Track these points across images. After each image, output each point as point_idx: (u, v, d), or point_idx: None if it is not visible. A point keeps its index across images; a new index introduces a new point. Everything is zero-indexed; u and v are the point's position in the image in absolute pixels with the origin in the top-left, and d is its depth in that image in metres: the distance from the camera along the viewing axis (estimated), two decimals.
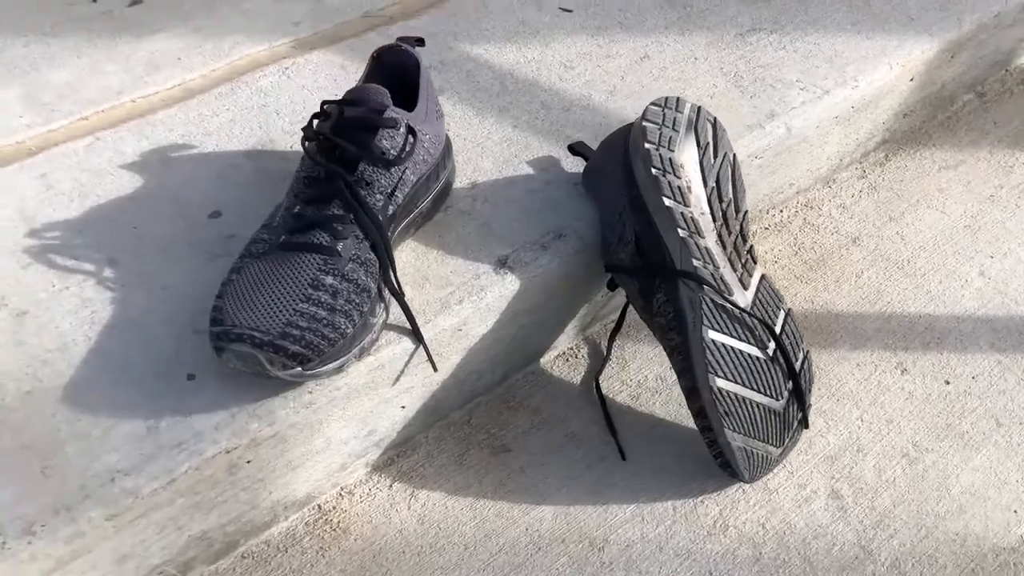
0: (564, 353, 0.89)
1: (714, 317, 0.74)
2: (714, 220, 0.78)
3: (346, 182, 0.69)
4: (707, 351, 0.73)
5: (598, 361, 0.88)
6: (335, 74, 0.96)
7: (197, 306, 0.72)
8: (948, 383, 0.85)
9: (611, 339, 0.86)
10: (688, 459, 0.79)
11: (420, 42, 0.80)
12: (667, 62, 0.99)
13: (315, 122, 0.73)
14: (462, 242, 0.79)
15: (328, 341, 0.65)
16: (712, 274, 0.76)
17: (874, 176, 1.06)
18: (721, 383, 0.74)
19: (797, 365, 0.78)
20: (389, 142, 0.72)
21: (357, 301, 0.67)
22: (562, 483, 0.78)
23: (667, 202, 0.75)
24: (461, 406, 0.83)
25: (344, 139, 0.71)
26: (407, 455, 0.80)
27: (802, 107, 0.94)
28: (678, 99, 0.79)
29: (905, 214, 1.01)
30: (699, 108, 0.80)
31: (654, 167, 0.76)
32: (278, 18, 1.04)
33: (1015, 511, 0.76)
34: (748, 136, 0.90)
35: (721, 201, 0.79)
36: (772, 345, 0.77)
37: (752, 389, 0.75)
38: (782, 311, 0.80)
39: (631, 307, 0.82)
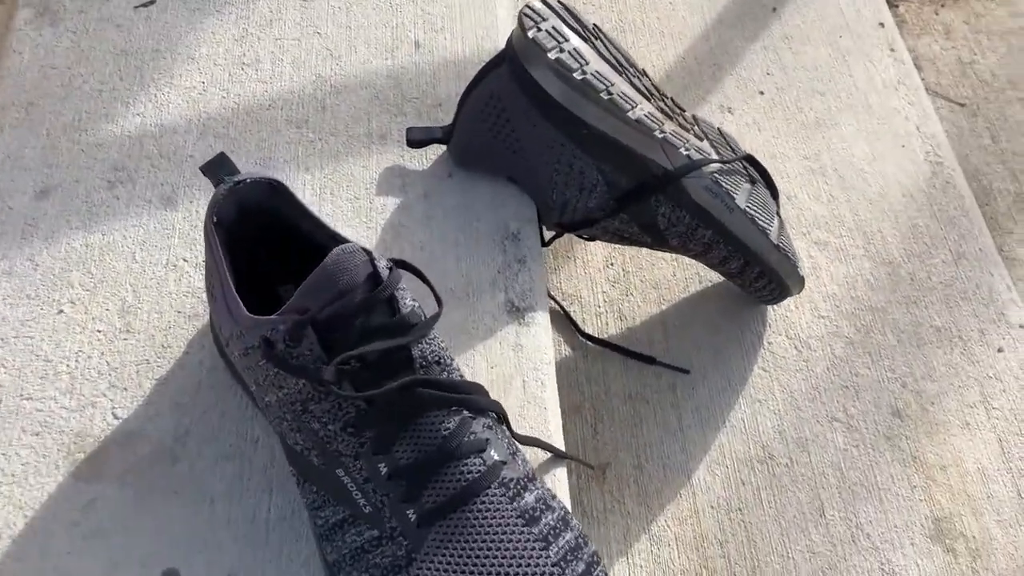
0: None
1: (732, 185, 0.69)
2: (649, 98, 0.68)
3: (423, 383, 0.48)
4: (751, 218, 0.69)
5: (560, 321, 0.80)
6: None
7: None
8: None
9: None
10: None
11: None
12: None
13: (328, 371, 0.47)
14: None
15: None
16: (699, 150, 0.68)
17: None
18: (774, 237, 0.70)
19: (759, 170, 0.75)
20: (405, 300, 0.50)
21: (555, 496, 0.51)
22: None
23: (630, 113, 0.64)
24: None
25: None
26: None
27: None
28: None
29: None
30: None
31: (574, 75, 0.63)
32: None
33: None
34: None
35: (633, 75, 0.68)
36: (751, 169, 0.74)
37: (774, 216, 0.72)
38: (718, 129, 0.75)
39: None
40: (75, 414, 0.57)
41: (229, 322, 0.52)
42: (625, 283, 0.83)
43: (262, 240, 0.57)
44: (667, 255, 0.84)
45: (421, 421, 0.48)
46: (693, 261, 0.83)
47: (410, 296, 0.51)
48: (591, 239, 0.73)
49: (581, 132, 0.64)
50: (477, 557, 0.47)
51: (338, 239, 0.54)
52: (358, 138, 0.72)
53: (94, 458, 0.56)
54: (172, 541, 0.54)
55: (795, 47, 0.99)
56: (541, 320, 0.64)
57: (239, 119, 0.72)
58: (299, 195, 0.64)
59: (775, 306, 0.81)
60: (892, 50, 0.99)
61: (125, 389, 0.59)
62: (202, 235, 0.66)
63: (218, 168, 0.54)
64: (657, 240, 0.70)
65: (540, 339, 0.63)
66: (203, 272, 0.64)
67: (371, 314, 0.49)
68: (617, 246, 0.85)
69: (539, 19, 0.64)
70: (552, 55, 0.62)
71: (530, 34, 0.63)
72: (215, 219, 0.53)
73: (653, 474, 0.73)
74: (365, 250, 0.50)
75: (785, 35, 1.00)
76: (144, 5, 0.77)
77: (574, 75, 0.63)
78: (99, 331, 0.61)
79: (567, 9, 0.67)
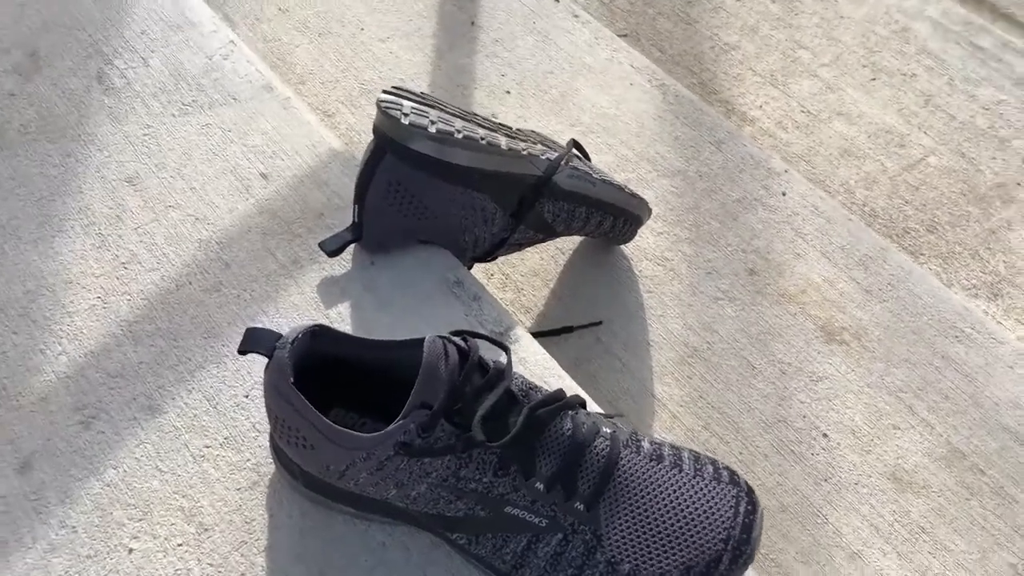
0: None
1: (581, 165, 0.85)
2: (498, 131, 0.80)
3: (537, 407, 0.59)
4: (607, 182, 0.86)
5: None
6: None
7: None
8: None
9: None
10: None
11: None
12: None
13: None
14: None
15: None
16: (546, 152, 0.81)
17: None
18: (624, 187, 0.89)
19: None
20: (484, 357, 0.61)
21: None
22: None
23: (501, 147, 0.76)
24: None
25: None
26: None
27: None
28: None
29: None
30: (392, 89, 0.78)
31: (455, 136, 0.74)
32: None
33: None
34: None
35: (477, 119, 0.81)
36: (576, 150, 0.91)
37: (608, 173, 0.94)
38: (535, 132, 0.89)
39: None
40: None
41: (342, 454, 0.59)
42: (512, 284, 0.96)
43: (315, 377, 0.63)
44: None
45: (546, 435, 0.59)
46: (547, 243, 0.97)
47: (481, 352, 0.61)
48: (494, 259, 0.85)
49: (474, 177, 0.76)
50: (643, 506, 0.59)
51: (398, 344, 0.62)
52: (276, 273, 0.78)
53: None
54: None
55: (508, 45, 1.16)
56: (521, 333, 0.76)
57: (154, 312, 0.76)
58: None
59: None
60: (576, 16, 1.20)
61: None
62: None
63: (258, 342, 0.60)
64: (549, 234, 0.84)
65: (532, 347, 0.75)
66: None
67: (472, 378, 0.58)
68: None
69: (401, 106, 0.74)
70: (431, 129, 0.73)
71: (404, 121, 0.73)
72: (291, 380, 0.59)
73: (626, 406, 0.88)
74: (440, 336, 0.59)
75: (494, 39, 1.17)
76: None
77: (455, 136, 0.74)
78: None
79: (406, 90, 0.78)
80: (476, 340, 0.60)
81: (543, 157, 0.80)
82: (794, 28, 1.37)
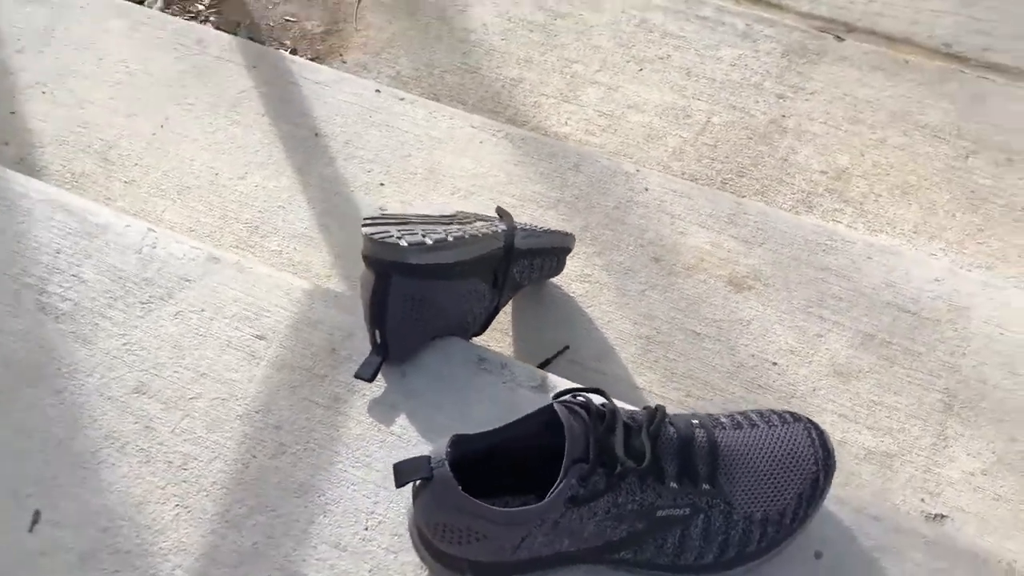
0: None
1: (522, 224, 0.99)
2: (456, 221, 0.93)
3: (661, 418, 0.75)
4: (547, 230, 1.00)
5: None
6: None
7: None
8: None
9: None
10: None
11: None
12: None
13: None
14: None
15: None
16: (488, 219, 0.95)
17: None
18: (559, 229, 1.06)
19: None
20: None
21: None
22: None
23: (474, 235, 0.88)
24: None
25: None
26: None
27: None
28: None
29: None
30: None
31: (448, 240, 0.85)
32: None
33: None
34: None
35: (444, 219, 0.93)
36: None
37: None
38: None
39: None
40: None
41: (518, 530, 0.69)
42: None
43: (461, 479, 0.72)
44: None
45: (659, 438, 0.73)
46: None
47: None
48: (485, 330, 0.96)
49: (467, 268, 0.87)
50: (750, 465, 0.75)
51: (518, 422, 0.73)
52: (326, 416, 0.85)
53: None
54: None
55: (359, 144, 1.26)
56: (553, 378, 0.88)
57: (239, 495, 0.80)
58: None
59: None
60: (401, 99, 1.31)
61: None
62: None
63: (412, 471, 0.69)
64: (518, 290, 0.97)
65: (564, 384, 0.88)
66: None
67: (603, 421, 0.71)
68: None
69: (390, 232, 0.84)
70: (428, 241, 0.83)
71: (403, 243, 0.82)
72: (460, 488, 0.68)
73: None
74: (556, 402, 0.71)
75: (344, 142, 1.26)
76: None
77: (448, 240, 0.85)
78: None
79: (382, 216, 0.87)
80: (589, 393, 0.73)
81: (499, 231, 0.93)
82: (559, 48, 1.57)
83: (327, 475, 0.81)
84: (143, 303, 0.92)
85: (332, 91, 1.31)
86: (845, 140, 1.43)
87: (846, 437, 1.01)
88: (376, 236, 0.83)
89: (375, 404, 0.86)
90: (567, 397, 0.73)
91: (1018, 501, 0.97)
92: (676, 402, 1.03)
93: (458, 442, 0.71)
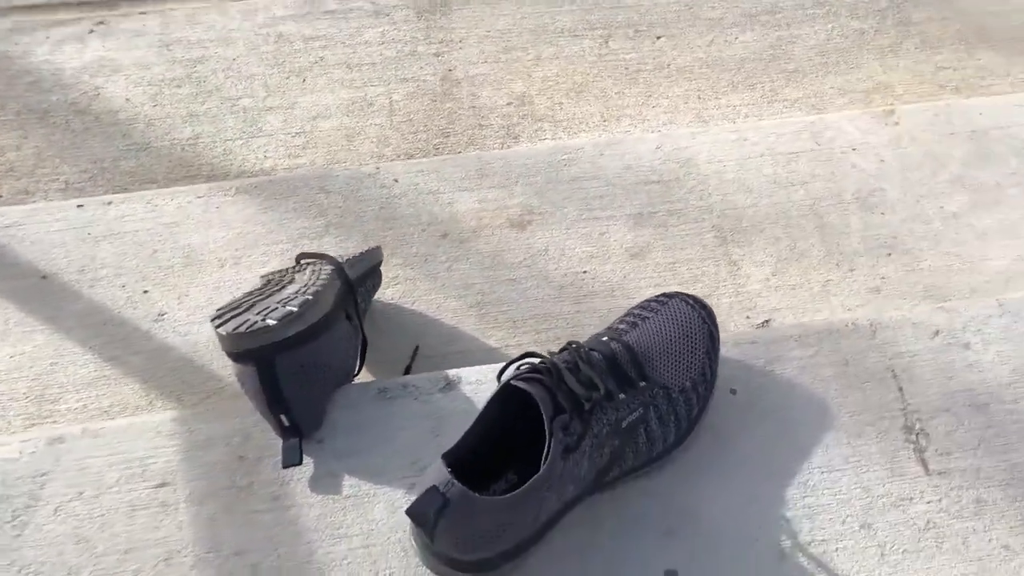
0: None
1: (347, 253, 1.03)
2: (289, 273, 0.94)
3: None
4: (367, 251, 1.04)
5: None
6: None
7: None
8: None
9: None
10: None
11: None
12: None
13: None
14: None
15: None
16: (315, 261, 0.97)
17: None
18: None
19: None
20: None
21: None
22: None
23: (312, 289, 0.88)
24: None
25: None
26: None
27: None
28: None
29: None
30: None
31: (293, 312, 0.84)
32: None
33: None
34: None
35: (275, 280, 0.94)
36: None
37: None
38: None
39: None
40: None
41: (533, 503, 0.74)
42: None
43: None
44: None
45: (594, 365, 0.81)
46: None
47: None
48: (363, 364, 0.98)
49: (331, 318, 0.87)
50: (663, 348, 0.86)
51: (485, 410, 0.77)
52: (276, 518, 0.82)
53: None
54: None
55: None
56: (452, 373, 0.92)
57: None
58: None
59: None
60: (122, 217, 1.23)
61: None
62: None
63: (427, 506, 0.70)
64: (365, 316, 0.99)
65: (458, 372, 0.92)
66: None
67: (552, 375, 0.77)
68: None
69: (245, 317, 0.82)
70: (293, 309, 0.82)
71: (271, 322, 0.81)
72: (477, 504, 0.71)
73: (504, 359, 1.09)
74: (511, 380, 0.75)
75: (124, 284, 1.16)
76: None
77: (308, 298, 0.84)
78: None
79: (229, 307, 0.85)
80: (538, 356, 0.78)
81: (330, 270, 0.93)
82: (216, 91, 1.53)
83: (315, 567, 0.79)
84: (10, 522, 0.81)
85: (31, 228, 1.19)
86: (510, 68, 1.57)
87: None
88: (241, 329, 0.81)
89: (314, 480, 0.84)
90: (510, 372, 0.78)
91: (808, 282, 1.18)
92: (533, 343, 1.11)
93: (447, 456, 0.73)
